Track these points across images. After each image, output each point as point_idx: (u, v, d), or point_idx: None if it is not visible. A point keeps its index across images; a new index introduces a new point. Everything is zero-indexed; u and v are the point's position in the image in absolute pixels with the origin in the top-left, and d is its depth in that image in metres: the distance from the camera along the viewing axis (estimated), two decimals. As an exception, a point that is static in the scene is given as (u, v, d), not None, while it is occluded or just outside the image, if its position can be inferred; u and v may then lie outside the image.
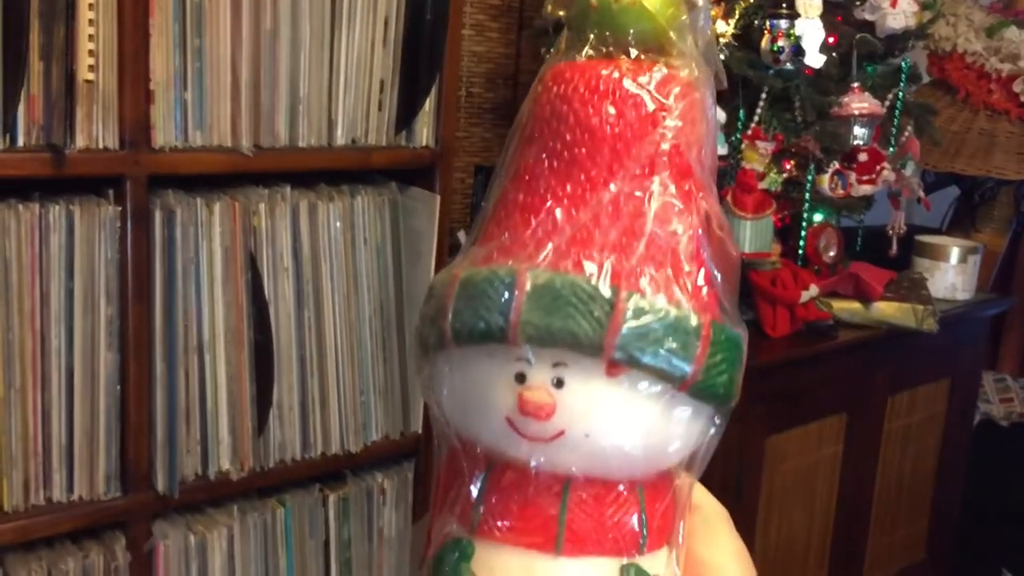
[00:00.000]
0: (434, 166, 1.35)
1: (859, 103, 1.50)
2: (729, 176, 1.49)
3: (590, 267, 0.30)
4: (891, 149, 1.61)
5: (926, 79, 2.03)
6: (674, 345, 0.30)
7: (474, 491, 0.33)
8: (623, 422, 0.31)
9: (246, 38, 1.16)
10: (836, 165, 1.50)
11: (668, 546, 0.34)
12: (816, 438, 1.60)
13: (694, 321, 0.31)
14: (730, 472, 1.39)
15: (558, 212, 0.31)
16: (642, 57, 0.33)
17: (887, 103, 1.61)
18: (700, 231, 0.32)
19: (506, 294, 0.30)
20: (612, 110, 0.32)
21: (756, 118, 1.49)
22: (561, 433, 0.31)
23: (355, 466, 1.36)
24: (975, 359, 2.03)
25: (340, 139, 1.27)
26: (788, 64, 1.46)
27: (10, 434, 1.08)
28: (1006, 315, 2.24)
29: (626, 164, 0.31)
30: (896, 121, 1.62)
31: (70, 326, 1.10)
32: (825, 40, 1.47)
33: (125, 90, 1.08)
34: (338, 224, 1.28)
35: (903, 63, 1.63)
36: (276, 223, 1.23)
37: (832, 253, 1.58)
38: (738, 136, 1.51)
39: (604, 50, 0.33)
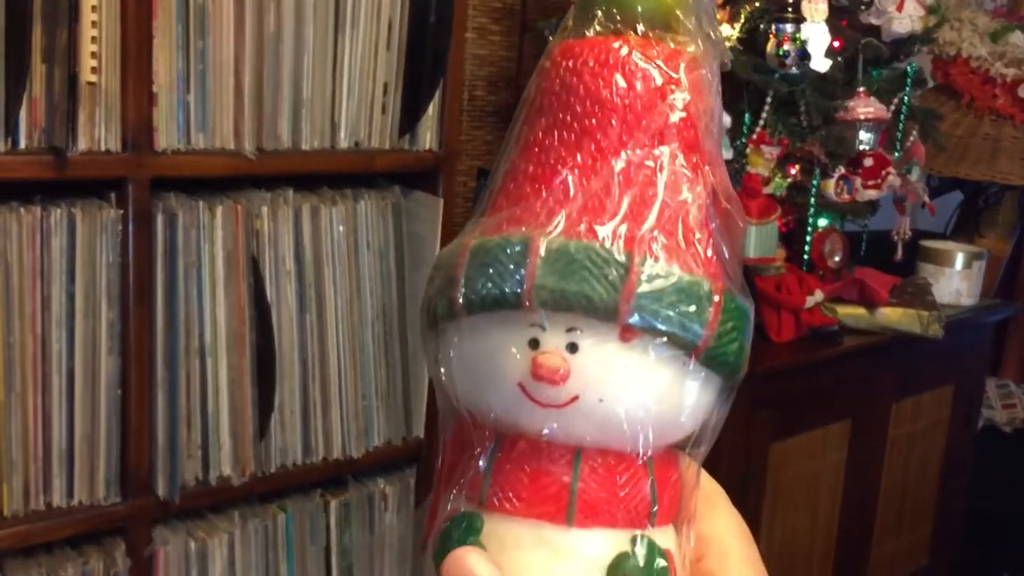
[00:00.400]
0: (437, 170, 1.34)
1: (865, 108, 1.50)
2: (734, 180, 1.48)
3: (603, 232, 0.31)
4: (896, 154, 1.61)
5: (931, 84, 2.03)
6: (687, 309, 0.31)
7: (483, 464, 0.32)
8: (637, 387, 0.31)
9: (249, 40, 1.15)
10: (842, 170, 1.49)
11: (675, 524, 0.34)
12: (821, 444, 1.59)
13: (706, 287, 0.31)
14: (735, 477, 1.38)
15: (570, 181, 0.32)
16: (649, 34, 0.33)
17: (892, 108, 1.60)
18: (708, 202, 0.33)
19: (519, 260, 0.30)
20: (622, 82, 0.32)
21: (761, 122, 1.49)
22: (575, 399, 0.30)
23: (357, 471, 1.36)
24: (979, 365, 2.02)
25: (343, 142, 1.26)
26: (794, 68, 1.45)
27: (10, 438, 1.07)
28: (1009, 320, 2.23)
29: (636, 135, 0.32)
30: (901, 126, 1.61)
31: (71, 329, 1.09)
32: (831, 44, 1.47)
33: (128, 92, 1.07)
34: (341, 228, 1.27)
35: (908, 68, 1.63)
36: (279, 226, 1.22)
37: (837, 258, 1.57)
38: (743, 140, 1.50)
39: (612, 27, 0.33)
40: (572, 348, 0.30)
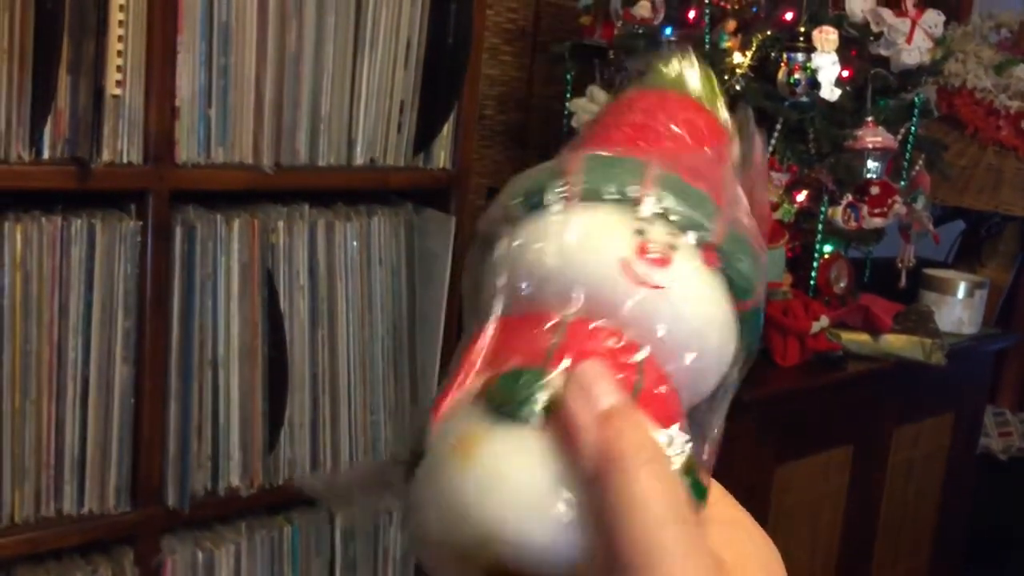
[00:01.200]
0: (451, 188, 1.35)
1: (873, 137, 1.52)
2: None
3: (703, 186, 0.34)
4: (902, 183, 1.63)
5: (935, 114, 2.05)
6: (752, 262, 0.34)
7: (552, 337, 0.32)
8: (709, 308, 0.33)
9: (271, 57, 1.17)
10: (849, 197, 1.51)
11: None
12: (823, 469, 1.60)
13: (764, 256, 0.34)
14: (739, 500, 1.39)
15: (665, 145, 0.35)
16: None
17: (899, 137, 1.62)
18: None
19: (637, 171, 0.33)
20: (691, 116, 0.37)
21: (770, 149, 1.51)
22: (663, 288, 0.32)
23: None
24: (980, 393, 2.03)
25: (359, 159, 1.27)
26: (804, 97, 1.47)
27: (23, 445, 1.08)
28: (1006, 349, 2.25)
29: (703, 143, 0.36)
30: (908, 155, 1.63)
31: (87, 338, 1.10)
32: (840, 74, 1.49)
33: (151, 106, 1.08)
34: (355, 243, 1.29)
35: (916, 98, 1.65)
36: (294, 241, 1.23)
37: (843, 284, 1.59)
38: (752, 166, 1.52)
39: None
40: (671, 248, 0.33)
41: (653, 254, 0.32)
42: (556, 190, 0.34)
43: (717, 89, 0.39)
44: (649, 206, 0.33)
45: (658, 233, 0.33)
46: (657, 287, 0.32)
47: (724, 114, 0.38)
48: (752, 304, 0.34)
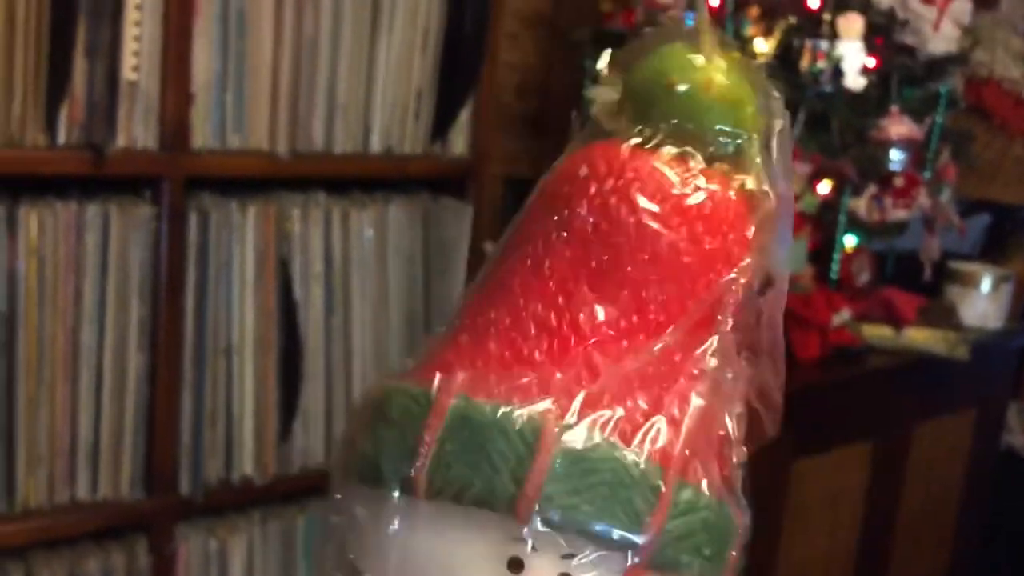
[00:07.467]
0: (468, 176, 1.34)
1: (898, 127, 1.49)
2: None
3: (634, 438, 0.24)
4: (927, 174, 1.60)
5: (961, 105, 2.01)
6: (714, 553, 0.25)
7: None
8: None
9: (287, 43, 1.16)
10: (873, 189, 1.49)
11: None
12: (842, 463, 1.58)
13: (732, 528, 0.26)
14: (756, 493, 1.37)
15: (597, 351, 0.24)
16: (716, 163, 0.27)
17: (924, 128, 1.59)
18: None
19: (523, 455, 0.23)
20: (685, 233, 0.25)
21: (793, 138, 1.49)
22: None
23: (377, 475, 1.36)
24: (1003, 389, 2.00)
25: (375, 146, 1.26)
26: (827, 86, 1.45)
27: (37, 431, 1.08)
28: (1032, 344, 2.21)
29: (688, 306, 0.25)
30: (933, 146, 1.61)
31: (102, 325, 1.10)
32: (864, 63, 1.46)
33: (167, 91, 1.08)
34: (370, 232, 1.28)
35: (942, 88, 1.62)
36: (309, 229, 1.23)
37: (865, 277, 1.57)
38: (774, 156, 1.50)
39: (676, 143, 0.27)
40: None
41: None
42: (393, 473, 0.24)
43: (752, 87, 0.28)
44: (532, 524, 0.23)
45: (543, 560, 0.23)
46: None
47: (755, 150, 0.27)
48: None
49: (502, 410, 0.24)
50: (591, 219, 0.26)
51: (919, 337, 1.59)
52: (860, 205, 1.49)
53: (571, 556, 0.24)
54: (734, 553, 0.26)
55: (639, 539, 0.24)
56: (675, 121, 0.27)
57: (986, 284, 1.82)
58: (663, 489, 0.24)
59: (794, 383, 1.58)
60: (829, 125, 1.51)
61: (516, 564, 0.23)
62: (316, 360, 1.25)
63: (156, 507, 1.16)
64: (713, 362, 0.26)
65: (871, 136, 1.51)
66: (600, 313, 0.25)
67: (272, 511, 1.27)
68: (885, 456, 1.66)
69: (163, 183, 1.10)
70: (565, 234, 0.26)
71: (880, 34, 1.54)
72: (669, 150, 0.27)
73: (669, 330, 0.25)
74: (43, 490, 1.09)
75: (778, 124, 0.29)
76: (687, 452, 0.25)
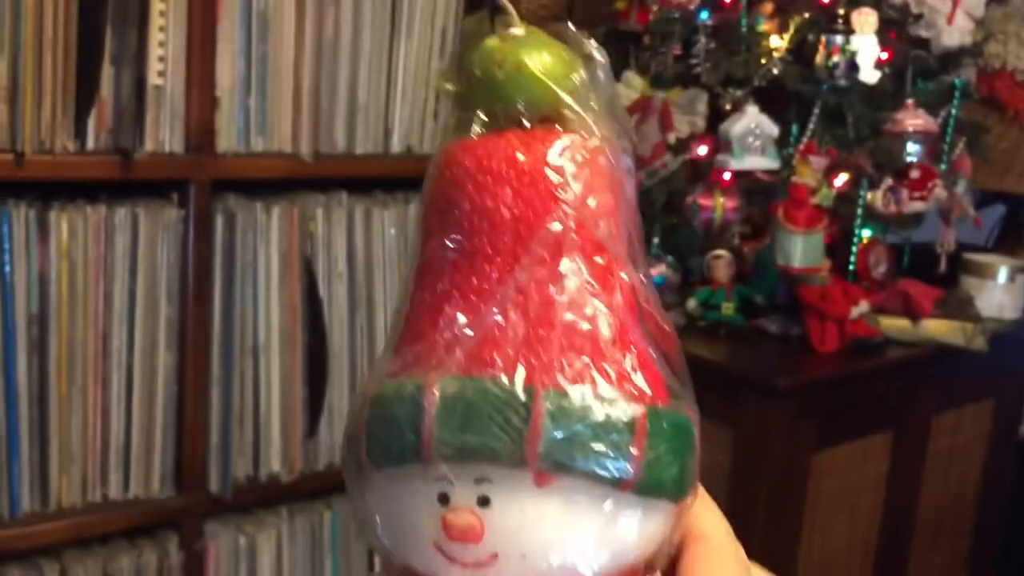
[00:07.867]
0: (487, 175, 1.35)
1: (913, 120, 1.49)
2: (780, 190, 1.49)
3: (501, 366, 0.28)
4: (943, 166, 1.60)
5: (975, 97, 2.01)
6: (605, 444, 0.27)
7: None
8: (563, 536, 0.28)
9: (308, 46, 1.18)
10: (889, 182, 1.49)
11: None
12: (861, 455, 1.59)
13: (625, 414, 0.28)
14: (776, 486, 1.38)
15: (465, 310, 0.29)
16: (536, 128, 0.30)
17: (939, 120, 1.60)
18: (626, 310, 0.30)
19: (415, 411, 0.28)
20: (508, 191, 0.29)
21: (809, 133, 1.49)
22: (495, 556, 0.28)
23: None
24: (1020, 379, 2.00)
25: (396, 147, 1.28)
26: (842, 80, 1.45)
27: (70, 431, 1.10)
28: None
29: (530, 248, 0.29)
30: (949, 139, 1.61)
31: (131, 326, 1.12)
32: (878, 57, 1.47)
33: (192, 95, 1.09)
34: (392, 231, 1.29)
35: (956, 80, 1.62)
36: (332, 229, 1.24)
37: (882, 269, 1.57)
38: (790, 150, 1.51)
39: (495, 124, 0.30)
40: (484, 501, 0.28)
41: (460, 530, 0.28)
42: (352, 462, 0.30)
43: (566, 61, 0.30)
44: (438, 465, 0.27)
45: (462, 490, 0.27)
46: (486, 565, 0.28)
47: (592, 118, 0.30)
48: (634, 478, 0.28)
49: (398, 383, 0.29)
50: (440, 210, 0.30)
51: (937, 328, 1.59)
52: (876, 198, 1.49)
53: (484, 480, 0.27)
54: (635, 441, 0.28)
55: (523, 452, 0.27)
56: (501, 106, 0.30)
57: (1002, 275, 1.82)
58: (533, 400, 0.27)
59: (813, 375, 1.58)
60: (845, 119, 1.51)
61: (444, 498, 0.28)
62: (341, 357, 1.27)
63: (186, 505, 1.18)
64: (568, 280, 0.29)
65: (887, 129, 1.52)
66: (463, 283, 0.29)
67: (299, 507, 1.28)
68: (904, 447, 1.67)
69: (190, 186, 1.12)
70: (428, 230, 0.31)
71: (894, 28, 1.54)
72: (479, 131, 0.30)
73: (517, 273, 0.29)
74: (76, 489, 1.11)
75: (601, 74, 0.31)
76: (555, 364, 0.28)
